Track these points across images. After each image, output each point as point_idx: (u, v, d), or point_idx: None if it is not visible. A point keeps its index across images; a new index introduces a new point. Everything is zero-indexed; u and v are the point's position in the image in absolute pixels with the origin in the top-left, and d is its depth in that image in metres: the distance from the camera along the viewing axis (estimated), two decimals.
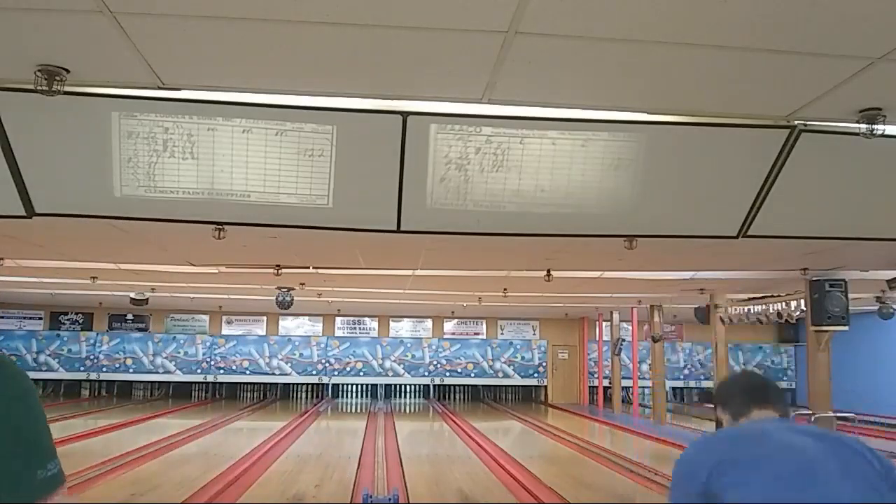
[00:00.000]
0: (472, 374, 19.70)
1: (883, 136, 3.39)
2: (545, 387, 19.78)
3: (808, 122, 3.62)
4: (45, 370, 18.55)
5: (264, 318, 19.33)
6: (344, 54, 2.80)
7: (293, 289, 11.04)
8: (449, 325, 19.84)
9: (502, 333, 19.93)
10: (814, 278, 8.60)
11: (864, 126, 3.36)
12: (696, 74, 2.98)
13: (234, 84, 3.23)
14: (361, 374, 19.45)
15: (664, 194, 4.24)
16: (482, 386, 19.87)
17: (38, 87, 2.96)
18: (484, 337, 19.92)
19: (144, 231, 5.59)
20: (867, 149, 3.64)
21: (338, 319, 19.60)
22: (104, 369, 18.84)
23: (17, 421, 1.07)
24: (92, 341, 18.88)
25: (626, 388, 17.96)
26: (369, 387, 19.56)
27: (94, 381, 18.94)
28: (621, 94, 3.25)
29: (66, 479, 1.13)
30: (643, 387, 17.91)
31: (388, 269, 8.86)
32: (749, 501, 1.51)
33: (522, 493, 7.39)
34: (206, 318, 19.33)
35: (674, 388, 19.96)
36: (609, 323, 17.56)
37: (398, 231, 4.31)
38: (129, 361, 18.91)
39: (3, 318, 18.62)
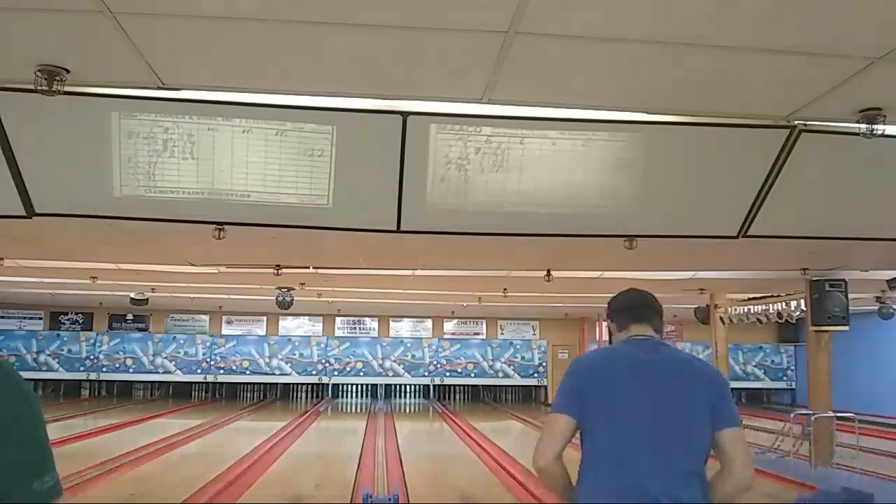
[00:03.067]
0: (472, 374, 19.69)
1: (883, 136, 3.39)
2: (545, 387, 19.77)
3: (808, 122, 3.62)
4: (45, 370, 18.53)
5: (264, 318, 19.31)
6: (344, 54, 2.80)
7: (293, 289, 11.04)
8: (449, 325, 19.83)
9: (502, 333, 19.92)
10: (814, 278, 8.60)
11: (864, 126, 3.36)
12: (696, 74, 2.98)
13: (234, 84, 3.23)
14: (361, 374, 19.44)
15: (664, 194, 4.24)
16: (482, 386, 19.86)
17: (38, 87, 2.96)
18: (484, 337, 19.91)
19: (144, 231, 5.59)
20: (867, 149, 3.64)
21: (338, 319, 19.59)
22: (104, 369, 18.82)
23: (18, 431, 1.06)
24: (92, 341, 18.87)
25: None
26: (369, 387, 19.54)
27: (94, 381, 18.91)
28: (621, 94, 3.25)
29: (62, 492, 1.12)
30: None
31: (388, 269, 8.85)
32: (603, 397, 2.10)
33: (522, 493, 7.38)
34: (206, 318, 19.32)
35: None
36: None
37: (398, 231, 4.32)
38: (129, 361, 18.90)
39: (3, 318, 18.60)
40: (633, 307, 2.31)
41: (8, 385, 1.10)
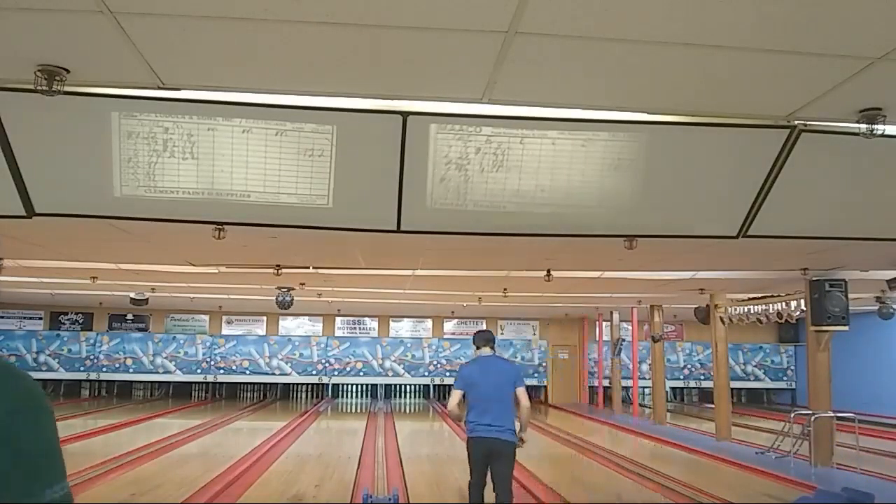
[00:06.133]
0: None
1: (883, 136, 3.39)
2: (545, 387, 19.78)
3: (808, 122, 3.62)
4: (45, 370, 18.54)
5: (264, 318, 19.32)
6: (344, 54, 2.80)
7: (293, 289, 11.04)
8: (449, 325, 19.84)
9: (502, 333, 19.92)
10: (814, 278, 8.60)
11: (864, 126, 3.36)
12: (696, 74, 2.98)
13: (234, 84, 3.23)
14: (361, 374, 19.45)
15: (664, 194, 4.24)
16: None
17: (38, 87, 2.96)
18: None
19: (144, 231, 5.60)
20: (867, 149, 3.64)
21: (338, 319, 19.60)
22: (104, 369, 18.83)
23: (27, 435, 1.02)
24: (92, 341, 18.88)
25: (626, 388, 17.95)
26: (369, 387, 19.55)
27: (94, 381, 18.93)
28: (621, 94, 3.25)
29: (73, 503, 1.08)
30: (643, 387, 17.90)
31: (388, 269, 8.86)
32: (472, 383, 5.08)
33: (522, 494, 7.38)
34: (206, 318, 19.33)
35: (674, 388, 19.95)
36: (609, 323, 17.56)
37: (398, 231, 4.32)
38: (129, 361, 18.91)
39: (3, 318, 18.61)
40: (485, 339, 5.33)
41: (20, 388, 1.06)
